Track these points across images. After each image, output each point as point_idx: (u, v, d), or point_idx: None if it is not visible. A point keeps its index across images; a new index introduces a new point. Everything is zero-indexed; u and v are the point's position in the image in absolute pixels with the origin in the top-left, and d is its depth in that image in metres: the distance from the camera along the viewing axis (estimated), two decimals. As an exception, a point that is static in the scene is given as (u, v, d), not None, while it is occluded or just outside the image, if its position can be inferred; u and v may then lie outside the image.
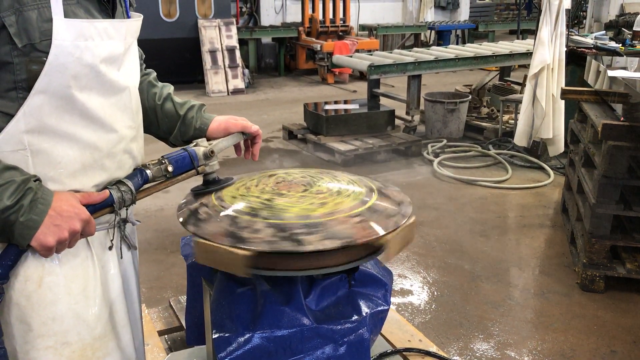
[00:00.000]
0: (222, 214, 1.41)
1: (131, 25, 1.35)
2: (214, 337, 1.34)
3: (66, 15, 1.18)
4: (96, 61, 1.23)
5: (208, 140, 1.55)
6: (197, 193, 1.55)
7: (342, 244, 1.28)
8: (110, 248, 1.41)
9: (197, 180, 1.55)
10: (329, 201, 1.43)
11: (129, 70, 1.38)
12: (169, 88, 1.65)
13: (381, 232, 1.34)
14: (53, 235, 1.19)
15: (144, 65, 1.66)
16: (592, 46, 5.46)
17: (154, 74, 1.66)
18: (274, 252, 1.28)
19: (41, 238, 1.18)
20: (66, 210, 1.21)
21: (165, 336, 2.47)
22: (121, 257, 1.46)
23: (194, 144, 1.49)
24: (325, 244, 1.27)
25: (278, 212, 1.38)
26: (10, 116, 1.18)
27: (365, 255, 1.40)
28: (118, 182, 1.34)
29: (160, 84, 1.64)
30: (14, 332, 1.28)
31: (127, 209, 1.39)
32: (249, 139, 1.65)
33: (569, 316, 3.14)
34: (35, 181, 1.19)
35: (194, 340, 1.88)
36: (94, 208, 1.28)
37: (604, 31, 6.51)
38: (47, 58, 1.17)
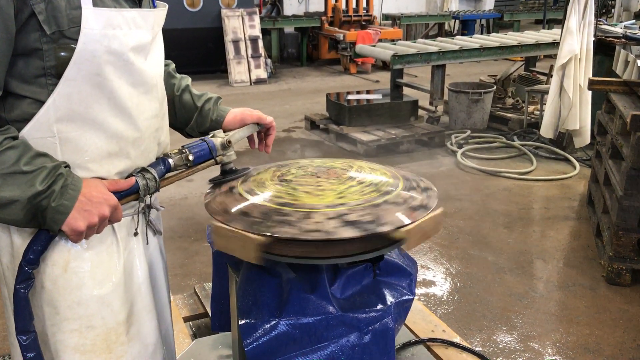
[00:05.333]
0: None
1: (158, 15, 1.37)
2: (240, 323, 1.35)
3: (94, 4, 1.19)
4: (124, 50, 1.24)
5: (224, 131, 1.57)
6: (216, 183, 1.58)
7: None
8: (135, 234, 1.43)
9: (215, 171, 1.58)
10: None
11: (156, 59, 1.40)
12: (187, 80, 1.67)
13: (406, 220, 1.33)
14: (84, 220, 1.21)
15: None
16: (621, 35, 5.35)
17: (173, 65, 1.68)
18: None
19: (72, 223, 1.20)
20: (95, 196, 1.23)
21: (190, 322, 2.51)
22: (147, 243, 1.48)
23: (212, 134, 1.52)
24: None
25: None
26: (39, 102, 1.20)
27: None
28: (143, 170, 1.36)
29: (178, 75, 1.66)
30: (42, 315, 1.31)
31: (151, 196, 1.42)
32: (263, 130, 1.67)
33: (594, 309, 3.10)
34: (65, 167, 1.22)
35: (219, 327, 1.89)
36: (121, 195, 1.30)
37: (634, 20, 6.38)
38: (75, 45, 1.18)
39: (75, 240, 1.25)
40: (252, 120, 1.62)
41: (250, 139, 1.68)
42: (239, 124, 1.61)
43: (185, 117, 1.64)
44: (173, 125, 1.66)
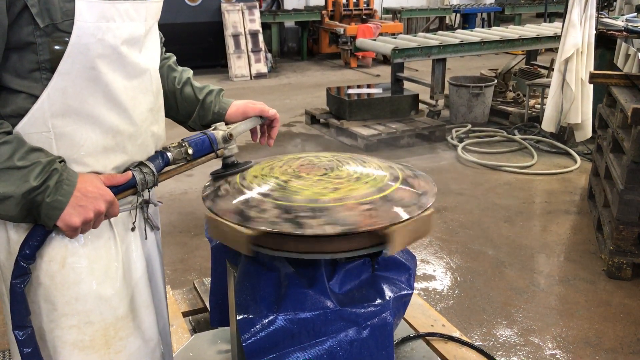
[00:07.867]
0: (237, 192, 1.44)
1: (151, 7, 1.34)
2: (238, 318, 1.35)
3: None
4: (117, 42, 1.23)
5: (226, 124, 1.55)
6: (217, 176, 1.56)
7: (343, 231, 1.26)
8: (132, 229, 1.42)
9: (218, 164, 1.56)
10: (343, 187, 1.42)
11: (150, 52, 1.38)
12: (189, 72, 1.65)
13: (385, 222, 1.30)
14: (78, 216, 1.20)
15: (164, 49, 1.66)
16: (622, 29, 5.33)
17: (174, 57, 1.66)
18: (273, 233, 1.28)
19: (67, 218, 1.19)
20: (91, 191, 1.22)
21: (190, 317, 2.51)
22: (145, 238, 1.47)
23: (213, 127, 1.50)
24: (325, 229, 1.26)
25: (290, 194, 1.39)
26: (34, 97, 1.19)
27: (369, 245, 1.36)
28: (140, 164, 1.35)
29: (179, 68, 1.65)
30: (39, 311, 1.30)
31: (149, 191, 1.41)
32: (267, 123, 1.65)
33: (595, 303, 3.10)
34: (60, 162, 1.21)
35: (218, 322, 1.89)
36: (117, 189, 1.29)
37: (635, 13, 6.35)
38: (69, 39, 1.17)
39: (71, 236, 1.24)
40: (254, 113, 1.60)
41: (253, 131, 1.65)
42: (241, 117, 1.59)
43: (188, 111, 1.62)
44: (175, 119, 1.65)
